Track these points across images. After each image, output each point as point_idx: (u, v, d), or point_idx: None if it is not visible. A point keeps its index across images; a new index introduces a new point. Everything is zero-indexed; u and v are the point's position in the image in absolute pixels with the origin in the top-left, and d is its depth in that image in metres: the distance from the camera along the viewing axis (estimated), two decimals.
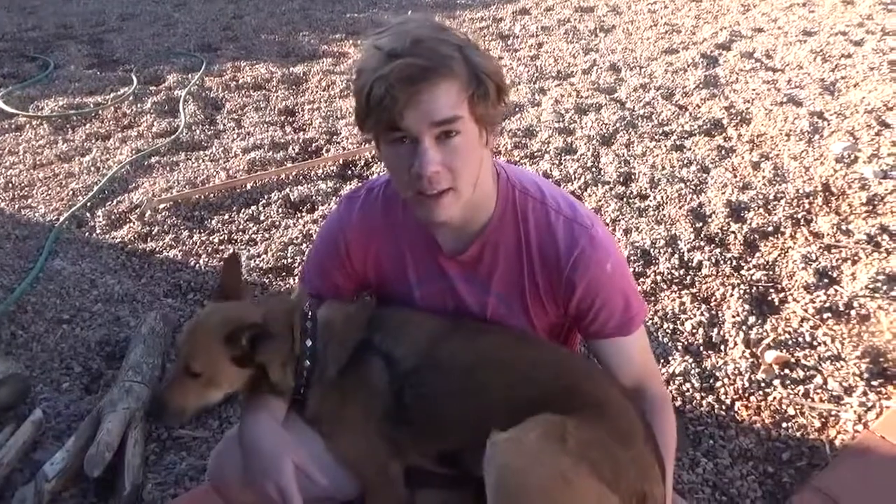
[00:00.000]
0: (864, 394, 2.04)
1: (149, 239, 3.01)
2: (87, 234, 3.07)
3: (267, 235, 3.01)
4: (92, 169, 3.62)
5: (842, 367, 2.15)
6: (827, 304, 2.40)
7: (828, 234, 2.80)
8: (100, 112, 4.28)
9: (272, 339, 1.25)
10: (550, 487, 1.06)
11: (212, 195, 3.31)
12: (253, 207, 3.22)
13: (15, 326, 2.42)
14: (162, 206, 3.21)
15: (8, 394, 2.06)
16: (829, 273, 2.58)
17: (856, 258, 2.64)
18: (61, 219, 3.12)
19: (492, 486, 1.07)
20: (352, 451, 1.29)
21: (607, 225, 2.96)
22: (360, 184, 1.43)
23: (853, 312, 2.36)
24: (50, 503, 1.75)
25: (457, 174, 1.12)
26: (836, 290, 2.48)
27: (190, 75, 4.83)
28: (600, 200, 3.14)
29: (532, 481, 1.06)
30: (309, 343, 1.29)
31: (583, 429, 1.13)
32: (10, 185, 3.48)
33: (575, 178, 3.35)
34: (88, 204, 3.26)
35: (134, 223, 3.11)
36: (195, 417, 2.07)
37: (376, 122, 1.11)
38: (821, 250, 2.70)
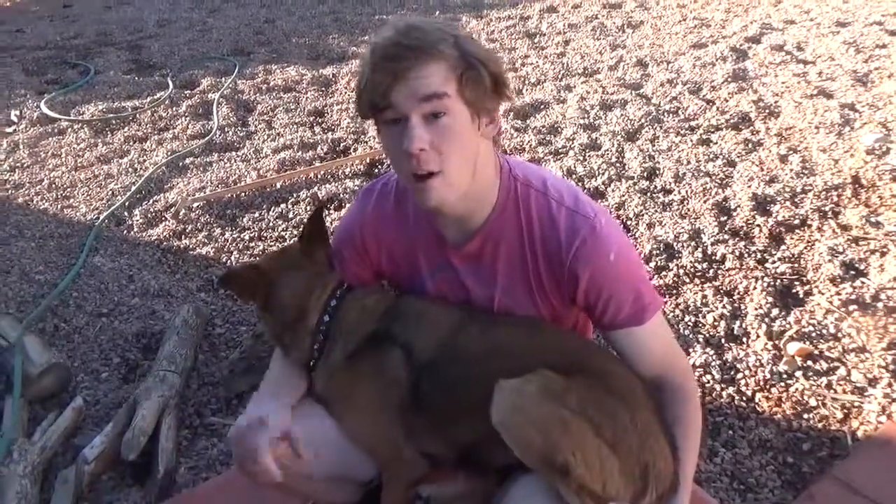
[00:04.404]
0: (889, 385, 2.02)
1: (183, 236, 3.12)
2: (125, 231, 3.19)
3: (296, 233, 3.09)
4: (130, 170, 3.76)
5: (866, 358, 2.13)
6: (853, 297, 2.38)
7: (856, 227, 2.76)
8: (137, 115, 4.43)
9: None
10: (549, 428, 1.10)
11: (243, 194, 3.41)
12: (282, 206, 3.31)
13: (58, 319, 2.54)
14: (195, 204, 3.32)
15: (51, 382, 2.18)
16: (857, 265, 2.55)
17: (884, 250, 2.61)
18: (101, 217, 3.25)
19: (498, 426, 1.12)
20: (365, 435, 1.32)
21: (629, 220, 2.97)
22: (378, 177, 1.46)
23: (880, 304, 2.34)
24: (90, 485, 1.85)
25: (445, 156, 1.13)
26: (863, 283, 2.45)
27: (223, 79, 4.96)
28: (624, 195, 3.14)
29: (531, 422, 1.11)
30: (326, 319, 1.33)
31: (582, 389, 1.15)
32: (54, 185, 3.63)
33: (599, 173, 3.36)
34: (126, 203, 3.39)
35: (169, 221, 3.22)
36: (225, 406, 2.16)
37: (369, 103, 1.14)
38: (848, 243, 2.67)
